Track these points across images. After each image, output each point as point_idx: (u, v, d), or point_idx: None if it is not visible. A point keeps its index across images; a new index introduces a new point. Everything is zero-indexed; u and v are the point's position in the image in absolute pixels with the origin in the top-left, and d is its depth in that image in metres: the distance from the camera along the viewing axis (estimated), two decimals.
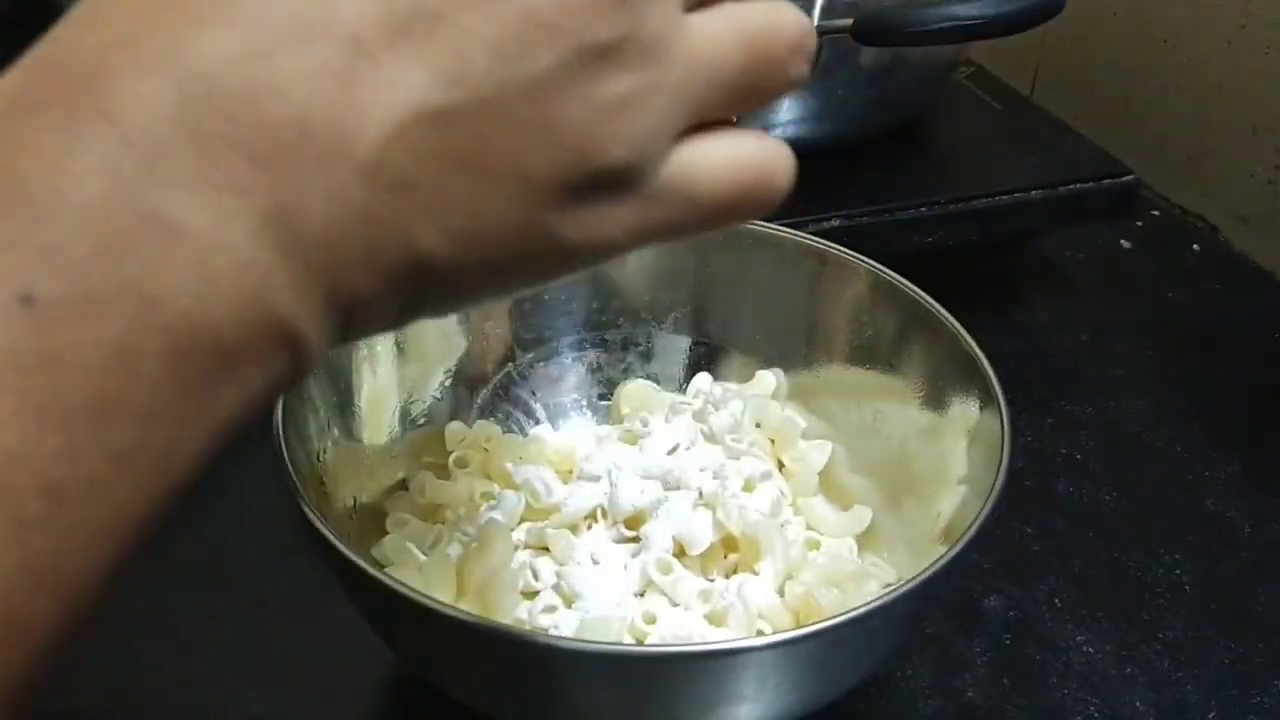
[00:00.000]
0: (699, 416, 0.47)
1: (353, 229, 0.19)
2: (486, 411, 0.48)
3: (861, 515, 0.44)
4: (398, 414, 0.45)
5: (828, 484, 0.46)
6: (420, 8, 0.19)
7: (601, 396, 0.50)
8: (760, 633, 0.39)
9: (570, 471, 0.46)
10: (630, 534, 0.42)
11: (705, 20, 0.22)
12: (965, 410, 0.41)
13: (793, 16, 0.23)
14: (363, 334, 0.21)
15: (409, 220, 0.19)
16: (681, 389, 0.50)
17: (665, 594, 0.40)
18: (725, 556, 0.42)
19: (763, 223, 0.48)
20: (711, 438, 0.46)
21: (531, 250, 0.21)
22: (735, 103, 0.23)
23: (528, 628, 0.38)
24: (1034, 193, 0.62)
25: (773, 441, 0.47)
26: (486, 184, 0.20)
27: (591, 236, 0.22)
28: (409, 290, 0.20)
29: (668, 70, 0.21)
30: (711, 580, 0.41)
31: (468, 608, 0.38)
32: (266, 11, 0.18)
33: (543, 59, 0.19)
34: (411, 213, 0.19)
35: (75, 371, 0.17)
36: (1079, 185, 0.63)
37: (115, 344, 0.17)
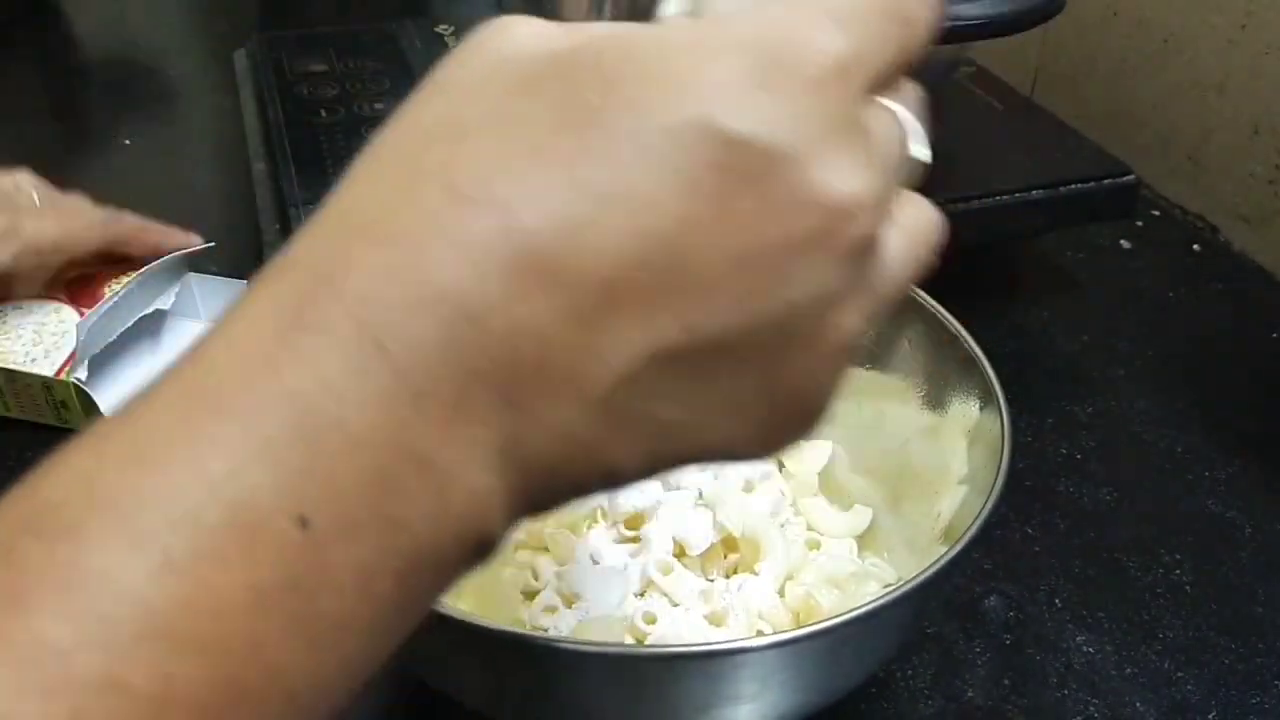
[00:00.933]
0: None
1: (566, 456, 0.20)
2: None
3: (862, 515, 0.44)
4: None
5: (828, 484, 0.46)
6: (672, 263, 0.19)
7: None
8: (760, 633, 0.39)
9: None
10: (630, 534, 0.42)
11: (894, 245, 0.22)
12: (965, 410, 0.41)
13: (940, 224, 0.24)
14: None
15: (614, 448, 0.20)
16: None
17: (665, 594, 0.40)
18: (725, 557, 0.42)
19: None
20: None
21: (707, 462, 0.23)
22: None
23: (528, 628, 0.38)
24: (1034, 193, 0.62)
25: None
26: (696, 417, 0.21)
27: (768, 454, 0.23)
28: (585, 492, 0.22)
29: (877, 305, 0.22)
30: (711, 580, 0.41)
31: (467, 608, 0.38)
32: (535, 258, 0.19)
33: (779, 310, 0.20)
34: (618, 442, 0.20)
35: (328, 591, 0.18)
36: (1079, 185, 0.62)
37: (361, 566, 0.18)
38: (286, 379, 0.18)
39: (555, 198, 0.19)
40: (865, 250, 0.21)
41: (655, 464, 0.22)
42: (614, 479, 0.21)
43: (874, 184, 0.20)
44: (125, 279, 0.56)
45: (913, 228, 0.23)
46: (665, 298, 0.19)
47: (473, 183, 0.19)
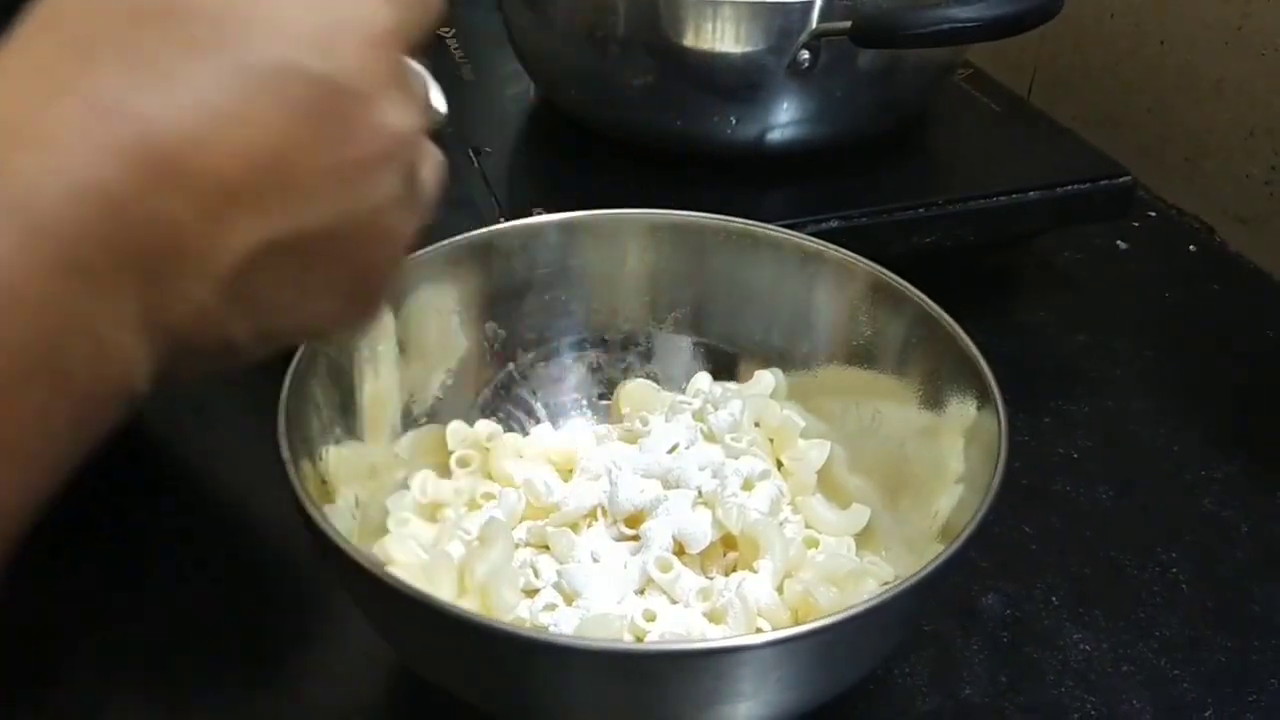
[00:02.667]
0: (699, 416, 0.47)
1: (194, 325, 0.25)
2: (487, 411, 0.49)
3: (860, 514, 0.45)
4: (399, 413, 0.46)
5: (826, 483, 0.46)
6: (280, 170, 0.25)
7: (601, 396, 0.51)
8: (759, 630, 0.39)
9: (570, 471, 0.46)
10: (630, 532, 0.42)
11: (426, 172, 0.29)
12: (963, 410, 0.41)
13: (445, 164, 0.31)
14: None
15: (233, 324, 0.26)
16: (681, 389, 0.50)
17: (665, 592, 0.40)
18: (724, 555, 0.43)
19: (762, 223, 0.48)
20: (711, 437, 0.46)
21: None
22: None
23: (528, 625, 0.39)
24: (1032, 194, 0.62)
25: (772, 441, 0.47)
26: (297, 297, 0.27)
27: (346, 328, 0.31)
28: (209, 361, 0.27)
29: (420, 214, 0.29)
30: (711, 578, 0.42)
31: (469, 606, 0.39)
32: (168, 160, 0.23)
33: (362, 210, 0.27)
34: (236, 318, 0.26)
35: (12, 426, 0.22)
36: (1076, 186, 0.63)
37: (40, 407, 0.22)
38: None
39: (185, 115, 0.23)
40: (413, 170, 0.28)
41: (263, 338, 0.27)
42: (232, 351, 0.27)
43: (417, 122, 0.28)
44: None
45: (434, 163, 0.30)
46: (276, 199, 0.25)
47: (111, 98, 0.23)
